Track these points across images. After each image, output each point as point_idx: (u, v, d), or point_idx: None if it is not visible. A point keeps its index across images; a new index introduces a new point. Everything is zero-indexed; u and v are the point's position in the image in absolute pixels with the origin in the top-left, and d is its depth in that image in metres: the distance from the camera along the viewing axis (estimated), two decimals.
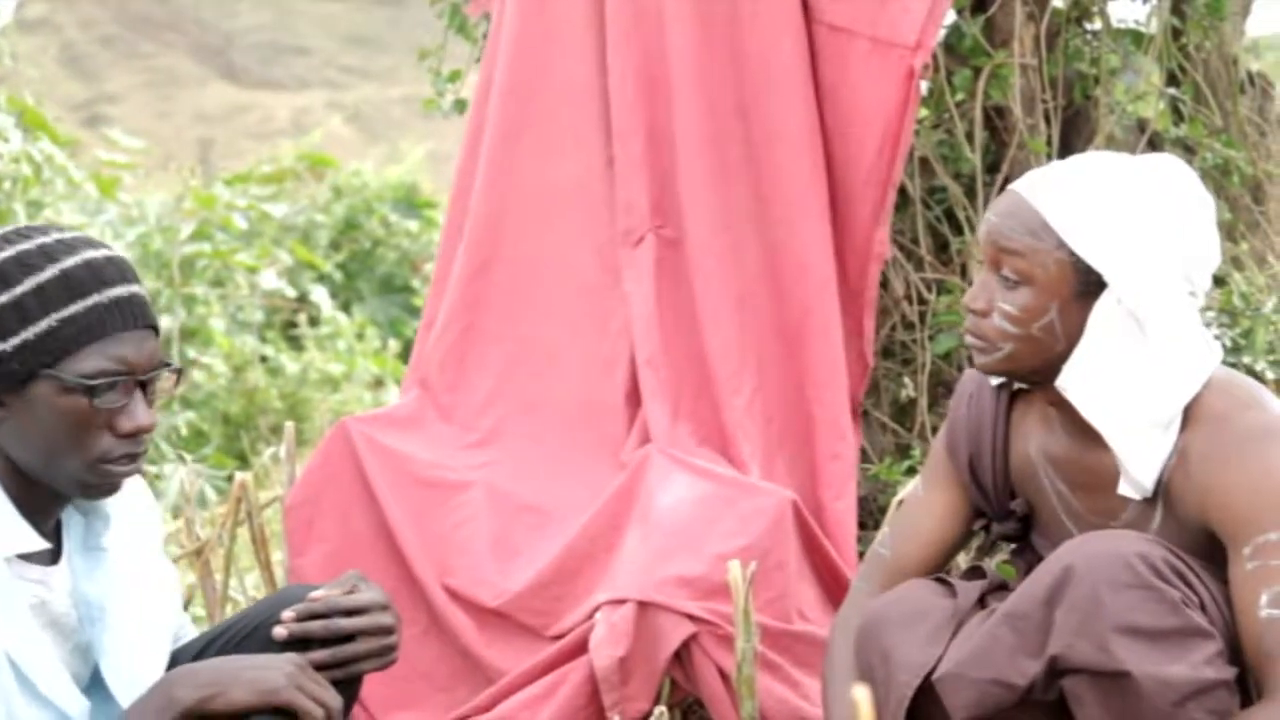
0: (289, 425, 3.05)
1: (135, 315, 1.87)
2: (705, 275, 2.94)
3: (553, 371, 2.94)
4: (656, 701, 2.56)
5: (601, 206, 2.98)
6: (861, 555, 2.83)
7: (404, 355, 7.54)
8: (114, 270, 1.88)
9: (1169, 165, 2.10)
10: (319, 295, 7.92)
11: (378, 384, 7.23)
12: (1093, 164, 2.11)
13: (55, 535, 1.93)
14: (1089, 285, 2.06)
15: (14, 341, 1.83)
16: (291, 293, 7.86)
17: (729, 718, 2.53)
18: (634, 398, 2.91)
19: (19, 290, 1.84)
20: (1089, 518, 2.14)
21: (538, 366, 2.95)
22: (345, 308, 8.11)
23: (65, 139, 6.29)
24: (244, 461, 5.83)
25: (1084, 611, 1.96)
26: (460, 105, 3.53)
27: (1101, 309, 2.05)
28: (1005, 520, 2.25)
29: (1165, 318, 2.04)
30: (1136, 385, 2.05)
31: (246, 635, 2.01)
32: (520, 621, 2.72)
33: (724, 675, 2.54)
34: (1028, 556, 2.24)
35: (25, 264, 1.85)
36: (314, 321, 7.64)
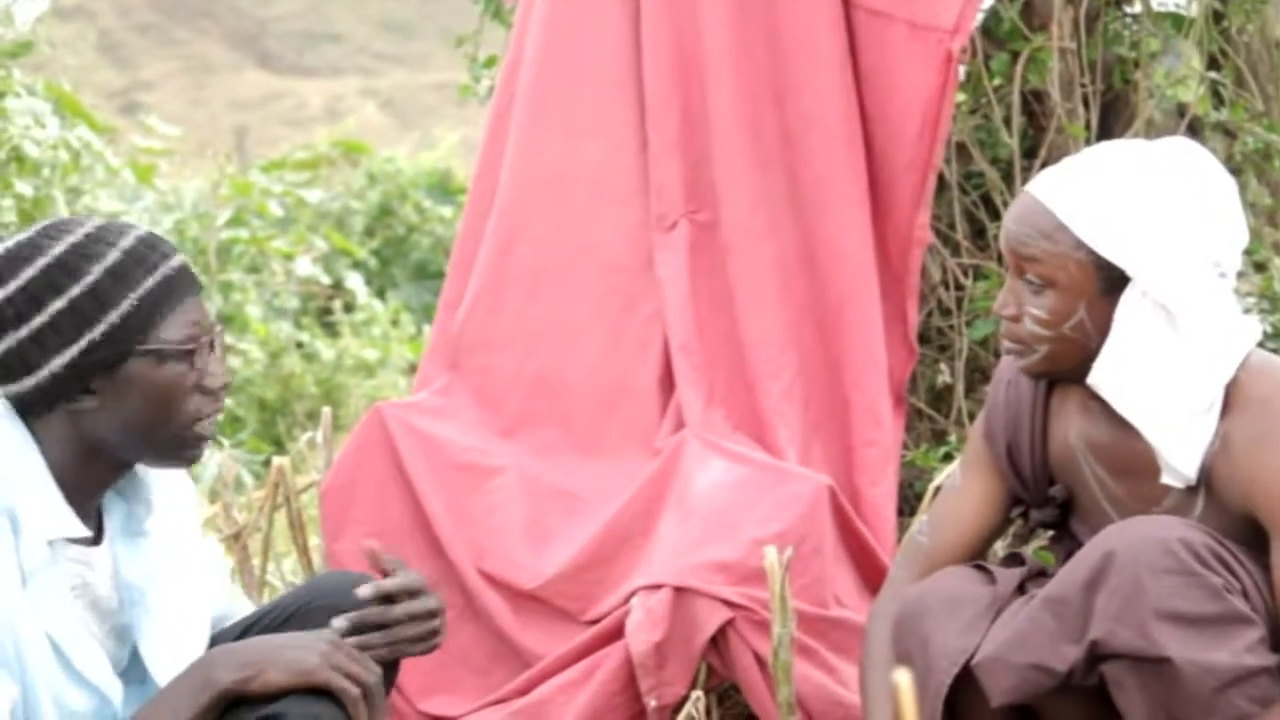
0: (325, 410, 3.06)
1: (193, 279, 1.94)
2: (740, 260, 2.93)
3: (574, 351, 2.93)
4: (693, 686, 2.56)
5: (633, 190, 2.97)
6: (899, 542, 2.82)
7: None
8: (164, 242, 1.94)
9: (1180, 148, 2.08)
10: (354, 282, 7.94)
11: (412, 370, 7.24)
12: (1103, 158, 2.09)
13: (97, 520, 1.95)
14: (1113, 281, 2.04)
15: (100, 328, 1.86)
16: (326, 279, 7.89)
17: (765, 703, 2.53)
18: (667, 383, 2.90)
19: (90, 278, 1.86)
20: (1131, 504, 2.13)
21: (558, 345, 2.94)
22: (380, 294, 8.13)
23: (102, 126, 6.32)
24: (280, 447, 5.86)
25: (1125, 597, 1.95)
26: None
27: (1127, 303, 2.04)
28: (1043, 507, 2.24)
29: (1194, 304, 2.03)
30: (1170, 375, 2.04)
31: (285, 620, 2.02)
32: (556, 606, 2.72)
33: (760, 661, 2.54)
34: (1066, 543, 2.23)
35: (86, 253, 1.87)
36: (349, 308, 7.66)
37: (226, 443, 3.86)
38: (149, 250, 1.90)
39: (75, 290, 1.86)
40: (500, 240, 3.00)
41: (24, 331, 1.86)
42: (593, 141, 2.99)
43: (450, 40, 3.66)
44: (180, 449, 1.93)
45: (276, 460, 2.96)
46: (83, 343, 1.86)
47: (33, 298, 1.85)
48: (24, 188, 4.92)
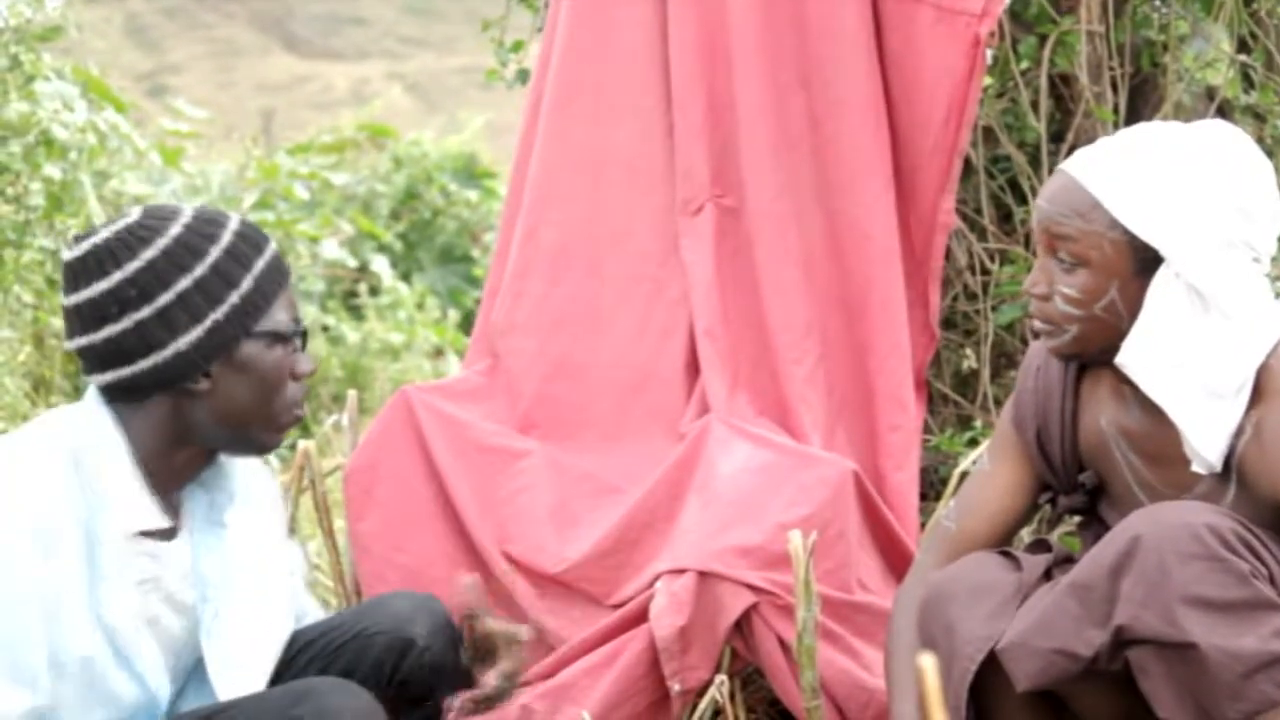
0: (351, 393, 3.06)
1: (286, 265, 1.96)
2: (766, 245, 2.93)
3: (599, 336, 2.93)
4: (717, 671, 2.57)
5: (659, 174, 2.97)
6: (923, 526, 2.82)
7: (464, 325, 7.57)
8: (259, 228, 1.96)
9: (1219, 131, 2.07)
10: (379, 265, 7.96)
11: (437, 353, 7.26)
12: (1140, 138, 2.08)
13: (175, 513, 1.95)
14: (1146, 261, 2.03)
15: (224, 308, 1.87)
16: (352, 262, 7.90)
17: (789, 687, 2.53)
18: (692, 368, 2.90)
19: (212, 258, 1.87)
20: (1163, 490, 2.12)
21: (580, 329, 2.94)
22: (405, 277, 8.14)
23: (130, 108, 6.34)
24: (306, 430, 5.87)
25: (1151, 582, 1.94)
26: (523, 75, 3.52)
27: (1160, 284, 2.03)
28: (1072, 494, 2.23)
29: (1227, 288, 2.02)
30: (1198, 359, 2.03)
31: (339, 647, 2.01)
32: (580, 589, 2.73)
33: (784, 645, 2.54)
34: (1095, 529, 2.22)
35: (204, 233, 1.88)
36: (374, 291, 7.68)
37: None
38: (255, 233, 1.93)
39: (200, 269, 1.86)
40: (528, 226, 3.01)
41: (146, 311, 1.85)
42: (619, 127, 2.99)
43: (477, 24, 3.66)
44: (271, 435, 1.94)
45: (302, 443, 2.96)
46: (208, 321, 1.86)
47: (158, 276, 1.85)
48: (52, 170, 4.93)
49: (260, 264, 1.90)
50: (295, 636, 2.07)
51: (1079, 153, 2.11)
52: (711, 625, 2.56)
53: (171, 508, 1.93)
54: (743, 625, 2.58)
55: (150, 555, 1.89)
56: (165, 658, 1.91)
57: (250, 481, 2.02)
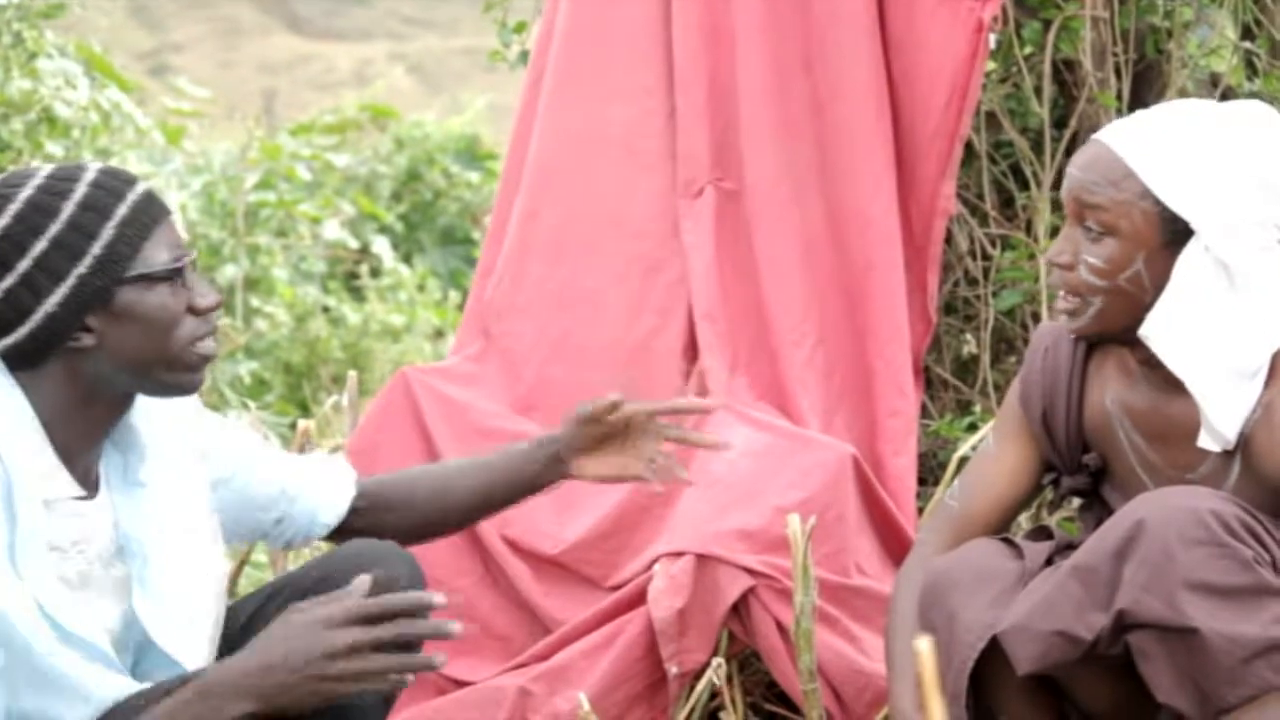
0: (351, 374, 3.07)
1: (162, 203, 1.93)
2: (766, 228, 2.92)
3: (596, 317, 2.93)
4: (714, 654, 2.57)
5: (660, 156, 2.97)
6: (921, 511, 2.82)
7: (464, 306, 7.54)
8: (124, 172, 1.94)
9: (1256, 110, 2.07)
10: (380, 246, 7.95)
11: (438, 335, 7.25)
12: (1178, 111, 2.08)
13: (91, 475, 1.94)
14: (1175, 234, 2.03)
15: (87, 260, 1.86)
16: (354, 243, 7.89)
17: (786, 671, 2.54)
18: (691, 350, 2.90)
19: (66, 214, 1.87)
20: (1165, 470, 2.12)
21: (579, 311, 2.94)
22: (407, 259, 8.13)
23: (132, 85, 6.33)
24: (306, 410, 5.87)
25: (1154, 566, 1.94)
26: (525, 57, 3.51)
27: (1188, 257, 2.03)
28: (1076, 475, 2.23)
29: (1254, 266, 2.01)
30: (1222, 334, 2.03)
31: (307, 591, 2.01)
32: (578, 572, 2.73)
33: (782, 629, 2.54)
34: (1097, 511, 2.22)
35: (55, 191, 1.88)
36: (375, 272, 7.67)
37: (253, 405, 3.87)
38: (114, 179, 1.91)
39: (54, 228, 1.86)
40: (527, 206, 3.00)
41: (10, 279, 1.86)
42: (621, 108, 2.99)
43: (479, 5, 3.65)
44: (183, 373, 1.91)
45: (302, 424, 2.97)
46: (72, 278, 1.86)
47: (14, 244, 1.86)
48: (54, 148, 4.93)
49: (122, 209, 1.88)
50: (266, 587, 2.09)
51: (1114, 123, 2.11)
52: (709, 608, 2.56)
53: (87, 469, 1.92)
54: (740, 608, 2.58)
55: (73, 515, 1.89)
56: (106, 620, 1.89)
57: (164, 434, 2.00)
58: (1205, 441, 2.05)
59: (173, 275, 1.89)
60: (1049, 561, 2.14)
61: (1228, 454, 2.06)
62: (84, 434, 1.91)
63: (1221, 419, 2.03)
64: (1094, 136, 2.11)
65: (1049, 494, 2.33)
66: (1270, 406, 2.02)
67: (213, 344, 1.94)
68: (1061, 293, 2.11)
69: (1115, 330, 2.10)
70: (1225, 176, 2.02)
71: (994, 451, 2.27)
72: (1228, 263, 2.01)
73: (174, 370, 1.91)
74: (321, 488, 2.20)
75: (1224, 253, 2.01)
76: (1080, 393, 2.20)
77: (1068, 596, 2.01)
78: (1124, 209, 2.04)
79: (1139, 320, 2.07)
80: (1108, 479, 2.21)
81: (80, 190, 1.88)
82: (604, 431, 2.25)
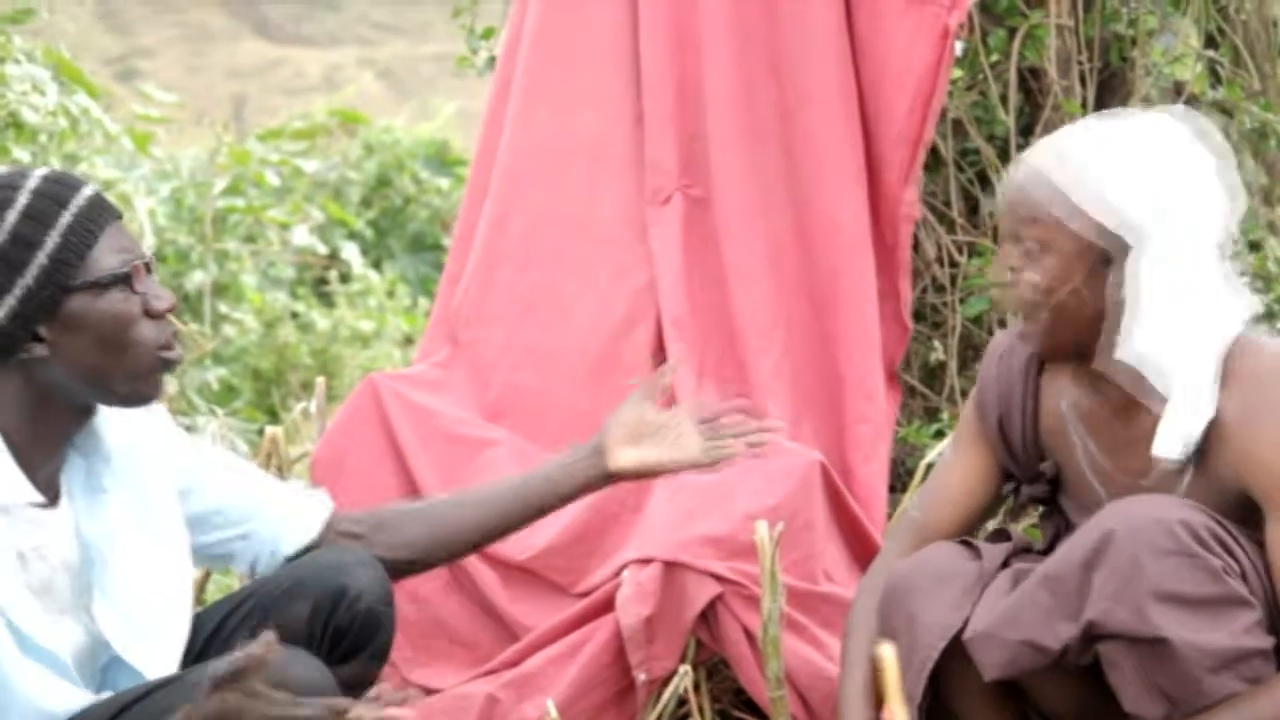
0: (320, 380, 3.06)
1: (110, 207, 1.90)
2: (733, 235, 2.93)
3: (563, 324, 2.93)
4: (682, 660, 2.57)
5: (627, 163, 2.97)
6: (890, 518, 2.82)
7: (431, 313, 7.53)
8: (70, 176, 1.91)
9: (1177, 119, 2.09)
10: (350, 252, 7.93)
11: (408, 341, 7.24)
12: (1101, 127, 2.10)
13: (54, 482, 1.92)
14: (1112, 249, 2.05)
15: (32, 271, 1.84)
16: (323, 249, 7.87)
17: (754, 677, 2.54)
18: (659, 357, 2.90)
19: (8, 225, 1.84)
20: (1117, 477, 2.13)
21: (547, 318, 2.93)
22: (376, 265, 8.11)
23: (100, 91, 6.30)
24: (274, 417, 5.86)
25: (1123, 576, 1.95)
26: (494, 62, 3.51)
27: (1129, 273, 2.04)
28: (1034, 482, 2.24)
29: (1192, 274, 2.03)
30: (1175, 344, 2.04)
31: (272, 603, 1.99)
32: (546, 578, 2.73)
33: (750, 635, 2.54)
34: (1056, 520, 2.24)
35: None
36: (345, 278, 7.65)
37: (221, 412, 3.86)
38: (58, 186, 1.88)
39: None
40: (495, 213, 3.00)
41: None
42: (588, 114, 2.99)
43: (449, 11, 3.65)
44: (142, 380, 1.89)
45: (270, 430, 2.95)
46: (18, 290, 1.84)
47: None
48: (21, 154, 4.90)
49: (66, 217, 1.85)
50: (235, 594, 2.06)
51: (1041, 141, 2.12)
52: (677, 615, 2.56)
53: (50, 477, 1.90)
54: (708, 615, 2.58)
55: (32, 523, 1.87)
56: (70, 631, 1.88)
57: (129, 441, 1.97)
58: (1164, 449, 2.07)
59: (123, 280, 1.87)
60: (1006, 563, 2.15)
61: (1180, 462, 2.08)
62: (44, 442, 1.89)
63: (1180, 430, 2.05)
64: (1021, 157, 2.13)
65: (1012, 503, 2.34)
66: (1220, 413, 2.04)
67: (174, 351, 1.91)
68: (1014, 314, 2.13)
69: (1068, 346, 2.11)
70: (1154, 190, 2.03)
71: (953, 460, 2.28)
72: (1164, 276, 2.03)
73: (132, 378, 1.89)
74: (290, 515, 2.15)
75: (1159, 267, 2.03)
76: (1035, 398, 2.21)
77: (1036, 606, 2.02)
78: (1058, 228, 2.05)
79: (1085, 335, 2.08)
80: (1061, 486, 2.22)
81: (22, 199, 1.86)
82: (646, 421, 2.22)
